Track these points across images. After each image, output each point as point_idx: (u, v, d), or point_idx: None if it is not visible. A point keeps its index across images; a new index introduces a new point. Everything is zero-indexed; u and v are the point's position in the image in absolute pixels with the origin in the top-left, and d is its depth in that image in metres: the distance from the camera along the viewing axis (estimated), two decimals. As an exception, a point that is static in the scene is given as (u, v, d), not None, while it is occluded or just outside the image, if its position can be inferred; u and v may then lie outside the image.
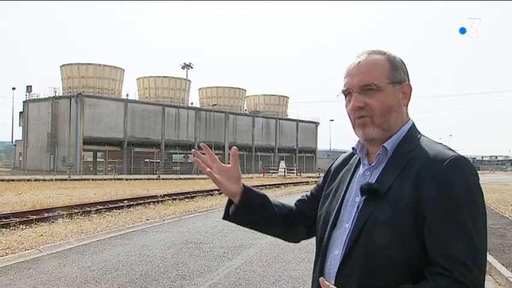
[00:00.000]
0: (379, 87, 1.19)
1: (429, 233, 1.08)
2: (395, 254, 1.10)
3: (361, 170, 1.27)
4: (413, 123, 1.25)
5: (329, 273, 1.21)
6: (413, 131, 1.23)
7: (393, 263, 1.10)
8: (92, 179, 34.61)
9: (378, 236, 1.12)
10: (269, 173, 53.46)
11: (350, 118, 1.25)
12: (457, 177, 1.09)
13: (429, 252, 1.08)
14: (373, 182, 1.18)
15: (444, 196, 1.08)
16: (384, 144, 1.20)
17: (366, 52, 1.24)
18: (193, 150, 1.43)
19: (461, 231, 1.06)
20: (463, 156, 1.13)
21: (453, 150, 1.15)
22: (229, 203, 1.42)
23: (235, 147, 1.46)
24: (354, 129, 1.25)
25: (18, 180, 30.11)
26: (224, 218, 1.44)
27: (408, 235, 1.09)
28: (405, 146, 1.19)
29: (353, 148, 1.31)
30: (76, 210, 12.82)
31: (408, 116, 1.25)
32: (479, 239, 1.07)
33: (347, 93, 1.24)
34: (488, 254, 7.23)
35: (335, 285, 1.16)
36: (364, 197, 1.18)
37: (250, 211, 1.38)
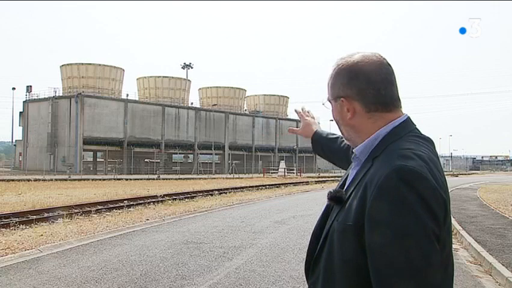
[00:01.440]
0: (329, 103, 1.27)
1: (366, 250, 1.04)
2: (345, 265, 1.10)
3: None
4: (396, 126, 1.17)
5: None
6: (391, 134, 1.15)
7: (344, 274, 1.10)
8: (92, 179, 34.62)
9: (334, 245, 1.13)
10: (269, 173, 53.44)
11: None
12: (392, 188, 1.01)
13: None
14: (345, 187, 1.22)
15: (378, 208, 1.01)
16: (354, 150, 1.22)
17: (335, 62, 1.25)
18: (295, 109, 1.98)
19: (389, 245, 0.99)
20: (408, 166, 1.02)
21: (410, 159, 1.04)
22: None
23: (302, 109, 1.98)
24: None
25: (18, 180, 30.10)
26: (313, 150, 1.93)
27: (354, 248, 1.07)
28: (375, 152, 1.15)
29: None
30: (76, 210, 12.83)
31: (385, 120, 1.17)
32: (413, 252, 0.97)
33: None
34: (488, 253, 7.27)
35: (309, 282, 1.24)
36: (333, 204, 1.21)
37: (320, 146, 1.85)
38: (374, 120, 1.18)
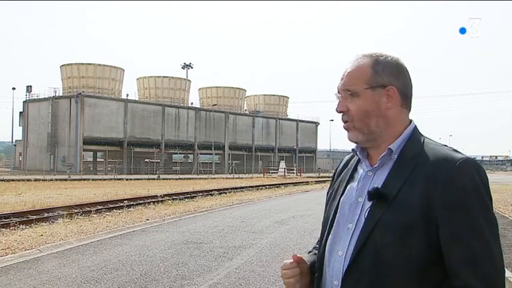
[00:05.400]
0: (356, 92, 1.21)
1: (445, 240, 1.07)
2: (405, 260, 1.09)
3: (362, 171, 1.26)
4: (416, 125, 1.24)
5: (332, 274, 1.20)
6: (416, 134, 1.22)
7: (404, 270, 1.09)
8: (92, 179, 34.64)
9: (388, 242, 1.10)
10: (269, 173, 53.43)
11: None
12: (467, 180, 1.08)
13: (445, 260, 1.07)
14: (378, 184, 1.17)
15: (457, 201, 1.07)
16: (390, 146, 1.19)
17: (359, 56, 1.26)
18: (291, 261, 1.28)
19: (477, 236, 1.06)
20: (471, 159, 1.11)
21: (460, 153, 1.14)
22: None
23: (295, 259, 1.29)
24: None
25: (18, 180, 30.11)
26: None
27: (419, 242, 1.08)
28: (410, 149, 1.18)
29: (352, 150, 1.31)
30: (76, 210, 12.83)
31: (407, 118, 1.24)
32: (496, 242, 1.08)
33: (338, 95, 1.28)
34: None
35: (341, 287, 1.16)
36: (372, 201, 1.16)
37: None
38: (403, 115, 1.23)
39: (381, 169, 1.20)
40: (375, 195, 1.15)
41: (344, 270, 1.16)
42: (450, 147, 1.17)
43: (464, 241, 1.06)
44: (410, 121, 1.24)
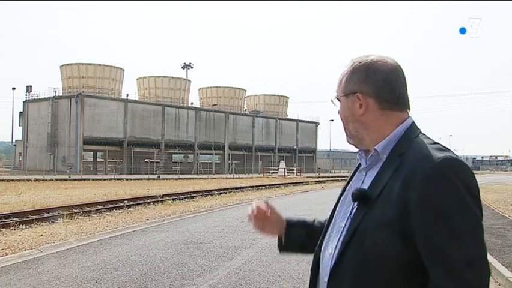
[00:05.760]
0: (338, 99, 1.27)
1: (421, 242, 1.05)
2: (387, 260, 1.09)
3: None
4: (411, 123, 1.21)
5: (323, 271, 1.23)
6: (409, 132, 1.19)
7: (386, 269, 1.09)
8: (92, 179, 34.64)
9: (369, 240, 1.11)
10: (269, 173, 53.42)
11: None
12: (444, 181, 1.04)
13: (424, 261, 1.06)
14: (367, 184, 1.19)
15: (433, 201, 1.04)
16: (375, 147, 1.20)
17: (348, 61, 1.28)
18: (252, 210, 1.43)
19: (453, 237, 1.02)
20: (454, 157, 1.08)
21: (447, 151, 1.11)
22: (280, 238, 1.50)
23: (266, 202, 1.44)
24: None
25: (18, 180, 30.12)
26: (280, 250, 1.51)
27: (399, 243, 1.07)
28: (399, 148, 1.17)
29: (357, 151, 1.32)
30: (76, 210, 12.83)
31: (399, 118, 1.21)
32: (474, 244, 1.03)
33: None
34: (488, 254, 7.29)
35: (328, 285, 1.18)
36: (356, 202, 1.18)
37: (297, 245, 1.49)
38: (386, 118, 1.21)
39: (372, 169, 1.21)
40: (358, 196, 1.17)
41: (331, 268, 1.18)
42: (438, 145, 1.14)
43: (441, 244, 1.03)
44: (404, 120, 1.21)
